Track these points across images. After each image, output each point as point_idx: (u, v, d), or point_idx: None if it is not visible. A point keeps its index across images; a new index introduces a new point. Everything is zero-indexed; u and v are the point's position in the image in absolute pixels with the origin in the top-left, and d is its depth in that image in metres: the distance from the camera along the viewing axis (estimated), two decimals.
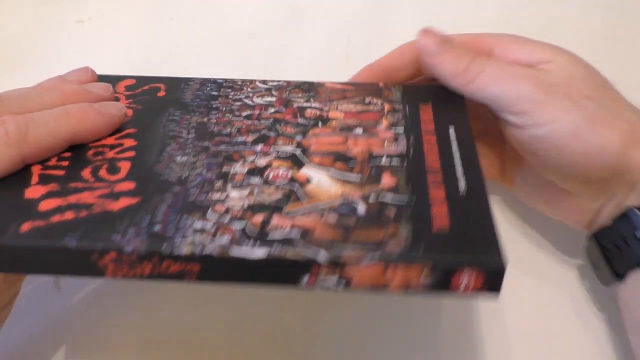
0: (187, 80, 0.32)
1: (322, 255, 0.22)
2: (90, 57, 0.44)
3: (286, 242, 0.22)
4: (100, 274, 0.23)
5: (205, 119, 0.29)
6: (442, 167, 0.25)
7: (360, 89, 0.31)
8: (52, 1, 0.46)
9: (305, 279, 0.22)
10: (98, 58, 0.43)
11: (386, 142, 0.27)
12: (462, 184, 0.25)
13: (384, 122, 0.28)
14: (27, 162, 0.26)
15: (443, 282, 0.22)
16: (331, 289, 0.22)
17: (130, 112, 0.30)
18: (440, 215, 0.23)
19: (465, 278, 0.21)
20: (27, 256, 0.23)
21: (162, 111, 0.30)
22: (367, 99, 0.30)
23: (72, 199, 0.24)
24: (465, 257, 0.21)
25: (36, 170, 0.26)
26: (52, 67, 0.43)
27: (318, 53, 0.43)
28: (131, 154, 0.27)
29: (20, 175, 0.26)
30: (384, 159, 0.26)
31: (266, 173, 0.26)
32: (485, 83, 0.28)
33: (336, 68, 0.42)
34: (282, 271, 0.22)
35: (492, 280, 0.21)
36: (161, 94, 0.31)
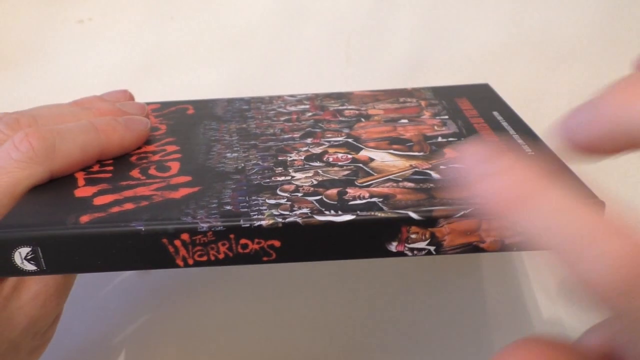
0: (213, 100, 0.32)
1: (413, 213, 0.20)
2: (90, 57, 0.43)
3: (371, 205, 0.21)
4: (171, 261, 0.20)
5: (244, 125, 0.28)
6: (501, 138, 0.25)
7: (391, 93, 0.31)
8: (52, 1, 0.45)
9: (394, 245, 0.21)
10: (98, 58, 0.43)
11: (435, 126, 0.27)
12: (526, 149, 0.24)
13: (426, 113, 0.28)
14: (55, 177, 0.24)
15: None
16: (420, 254, 0.21)
17: (163, 127, 0.29)
18: None
19: None
20: (90, 248, 0.20)
21: (197, 123, 0.29)
22: (401, 99, 0.30)
23: (128, 193, 0.22)
24: None
25: (80, 175, 0.24)
26: (52, 67, 0.43)
27: (318, 53, 0.43)
28: (177, 155, 0.26)
29: (63, 179, 0.24)
30: (439, 138, 0.26)
31: (325, 157, 0.24)
32: None
33: (336, 68, 0.42)
34: (369, 237, 0.20)
35: None
36: (190, 111, 0.31)
